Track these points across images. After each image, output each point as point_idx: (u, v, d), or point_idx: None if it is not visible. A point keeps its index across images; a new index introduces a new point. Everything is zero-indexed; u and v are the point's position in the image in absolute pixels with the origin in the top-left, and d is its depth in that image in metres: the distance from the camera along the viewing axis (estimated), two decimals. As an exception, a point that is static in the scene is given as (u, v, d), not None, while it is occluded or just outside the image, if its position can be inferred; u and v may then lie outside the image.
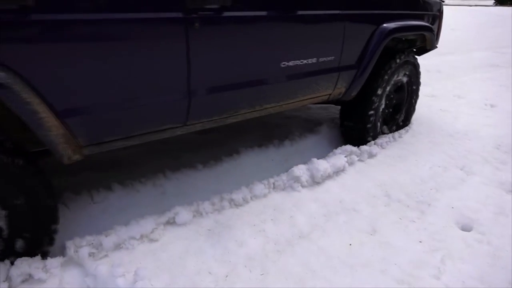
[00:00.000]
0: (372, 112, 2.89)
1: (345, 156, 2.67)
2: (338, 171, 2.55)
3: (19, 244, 1.61)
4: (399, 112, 3.32)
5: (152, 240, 1.85)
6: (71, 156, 1.65)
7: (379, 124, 3.04)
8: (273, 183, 2.36)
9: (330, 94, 2.69)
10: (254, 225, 2.03)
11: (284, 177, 2.41)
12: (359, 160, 2.74)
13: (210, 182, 2.47)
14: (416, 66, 3.21)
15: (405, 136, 3.19)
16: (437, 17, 3.26)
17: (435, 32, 3.24)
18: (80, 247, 1.72)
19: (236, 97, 2.12)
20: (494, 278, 1.76)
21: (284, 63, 2.23)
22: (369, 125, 2.92)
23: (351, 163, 2.67)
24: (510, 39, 8.88)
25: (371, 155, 2.81)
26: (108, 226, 1.90)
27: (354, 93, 2.80)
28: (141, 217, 1.96)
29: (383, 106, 3.01)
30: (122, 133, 1.80)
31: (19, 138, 1.63)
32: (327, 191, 2.37)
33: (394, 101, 3.18)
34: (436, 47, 3.34)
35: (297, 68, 2.30)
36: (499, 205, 2.30)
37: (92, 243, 1.76)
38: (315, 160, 2.53)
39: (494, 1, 24.64)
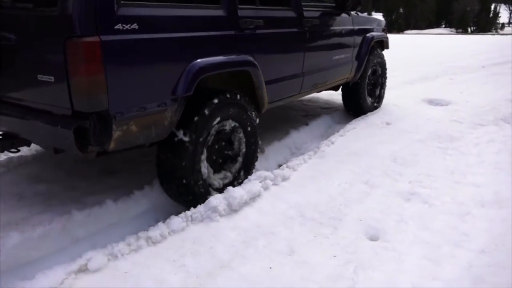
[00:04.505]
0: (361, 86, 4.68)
1: (260, 182, 2.75)
2: (254, 197, 2.60)
3: (244, 164, 2.89)
4: (376, 91, 5.10)
5: (62, 292, 1.72)
6: (265, 108, 3.02)
7: (367, 97, 4.80)
8: (191, 216, 2.34)
9: (348, 77, 4.39)
10: (174, 260, 1.99)
11: (201, 208, 2.40)
12: (273, 184, 2.84)
13: (124, 220, 2.39)
14: (383, 58, 5.07)
15: (314, 157, 3.38)
16: (385, 30, 5.25)
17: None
18: (-24, 311, 1.54)
19: (319, 76, 3.78)
20: (399, 282, 1.92)
21: (334, 57, 3.97)
22: (362, 93, 4.68)
23: (266, 188, 2.75)
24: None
25: (284, 178, 2.93)
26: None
27: (358, 76, 4.52)
28: (49, 268, 1.81)
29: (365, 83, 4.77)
30: (279, 96, 3.29)
31: None
32: (244, 218, 2.41)
33: (372, 81, 4.97)
34: (388, 48, 5.21)
35: (339, 60, 4.05)
36: (399, 214, 2.52)
37: (-9, 305, 1.58)
38: (231, 188, 2.57)
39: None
